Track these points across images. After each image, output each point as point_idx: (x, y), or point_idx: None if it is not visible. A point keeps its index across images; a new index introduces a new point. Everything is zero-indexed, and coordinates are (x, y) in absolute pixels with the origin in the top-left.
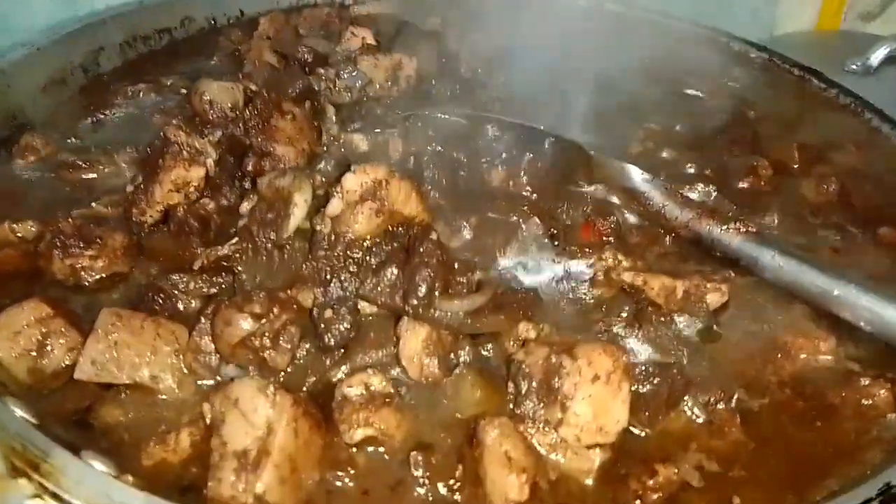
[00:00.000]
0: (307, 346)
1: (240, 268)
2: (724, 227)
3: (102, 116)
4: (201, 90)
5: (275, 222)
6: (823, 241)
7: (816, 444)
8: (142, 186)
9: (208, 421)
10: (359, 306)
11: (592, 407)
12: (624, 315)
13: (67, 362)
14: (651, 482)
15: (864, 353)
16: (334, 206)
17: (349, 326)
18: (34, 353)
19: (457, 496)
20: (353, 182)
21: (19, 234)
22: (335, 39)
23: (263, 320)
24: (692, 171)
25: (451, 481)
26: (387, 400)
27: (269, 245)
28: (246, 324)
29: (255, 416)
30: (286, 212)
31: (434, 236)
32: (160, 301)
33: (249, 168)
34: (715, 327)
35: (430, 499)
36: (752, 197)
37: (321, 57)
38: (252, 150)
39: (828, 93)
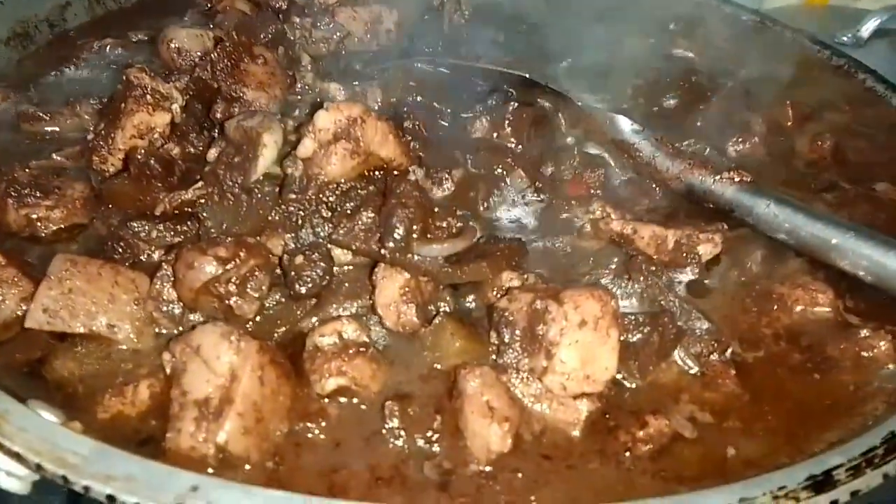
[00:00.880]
0: (277, 295)
1: (205, 213)
2: (717, 177)
3: (67, 70)
4: (169, 37)
5: (242, 165)
6: (817, 198)
7: (814, 396)
8: (102, 133)
9: (168, 371)
10: (332, 254)
11: (580, 354)
12: (612, 266)
13: (19, 313)
14: (641, 433)
15: (863, 307)
16: (306, 146)
17: (322, 273)
18: None
19: (435, 447)
20: (327, 120)
21: None
22: None
23: (229, 265)
24: (683, 126)
25: (429, 433)
26: (361, 349)
27: (237, 189)
28: (210, 267)
29: (218, 363)
30: (255, 153)
31: (412, 177)
32: (120, 251)
33: (218, 115)
34: (706, 281)
35: (407, 451)
36: (745, 153)
37: (298, 6)
38: (221, 96)
39: (821, 54)
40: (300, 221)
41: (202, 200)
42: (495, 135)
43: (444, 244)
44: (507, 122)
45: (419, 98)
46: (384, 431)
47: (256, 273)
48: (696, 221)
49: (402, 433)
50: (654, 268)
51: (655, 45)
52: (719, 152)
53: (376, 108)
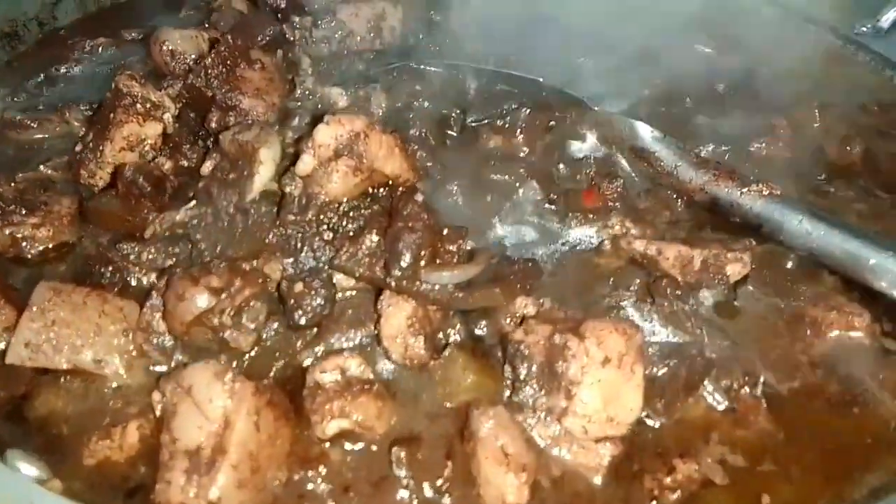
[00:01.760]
0: (275, 324)
1: (198, 235)
2: (745, 190)
3: (56, 72)
4: (161, 39)
5: (237, 183)
6: (848, 208)
7: (854, 432)
8: (90, 145)
9: (158, 412)
10: (334, 279)
11: (602, 394)
12: (634, 288)
13: (1, 345)
14: (668, 480)
15: None
16: (305, 163)
17: (323, 302)
18: None
19: (446, 499)
20: (327, 135)
21: None
22: None
23: (223, 295)
24: (704, 130)
25: (440, 481)
26: (365, 386)
27: (232, 209)
28: (202, 299)
29: (211, 407)
30: (251, 170)
31: (420, 197)
32: (109, 275)
33: (213, 124)
34: (736, 301)
35: (416, 501)
36: (769, 158)
37: (297, 4)
38: (216, 104)
39: (846, 49)
40: (300, 245)
41: (196, 221)
42: (507, 142)
43: (455, 271)
44: (519, 129)
45: (426, 104)
46: (392, 477)
47: (252, 302)
48: (723, 237)
49: (411, 481)
50: (679, 291)
51: (676, 42)
52: (742, 157)
53: (380, 113)
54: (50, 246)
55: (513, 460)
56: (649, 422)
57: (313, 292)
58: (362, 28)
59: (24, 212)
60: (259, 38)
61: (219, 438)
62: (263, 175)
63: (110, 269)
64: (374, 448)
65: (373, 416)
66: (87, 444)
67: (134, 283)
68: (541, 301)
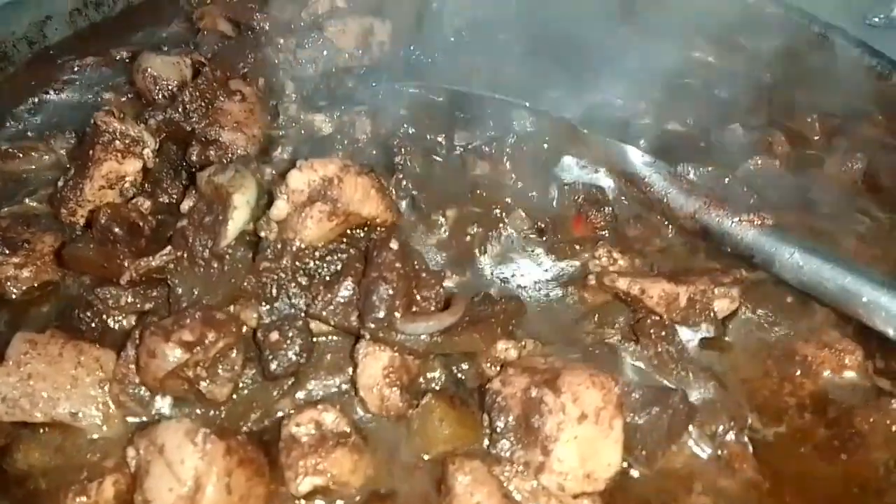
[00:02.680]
0: (251, 372)
1: (175, 280)
2: (736, 220)
3: (45, 96)
4: (144, 66)
5: (213, 228)
6: (847, 229)
7: (841, 480)
8: (70, 183)
9: (132, 469)
10: (312, 325)
11: (579, 450)
12: (619, 326)
13: None
14: None
15: (894, 367)
16: (279, 208)
17: (299, 351)
18: None
19: None
20: (299, 181)
21: None
22: (302, 2)
23: (196, 349)
24: (701, 147)
25: None
26: (341, 440)
27: (207, 254)
28: (174, 355)
29: (182, 468)
30: (224, 216)
31: (395, 245)
32: (88, 318)
33: (194, 158)
34: (724, 338)
35: None
36: (765, 177)
37: (282, 24)
38: (195, 138)
39: (851, 52)
40: (275, 292)
41: (172, 266)
42: (493, 169)
43: (431, 321)
44: (505, 156)
45: (411, 129)
46: None
47: (228, 353)
48: (715, 265)
49: None
50: (663, 332)
51: (672, 50)
52: (738, 176)
53: (365, 139)
54: (35, 285)
55: None
56: (631, 472)
57: (289, 342)
58: (350, 44)
59: (6, 251)
60: (241, 66)
61: (189, 502)
62: (237, 221)
63: (89, 313)
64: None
65: (347, 472)
66: (65, 501)
67: (115, 325)
68: (522, 343)
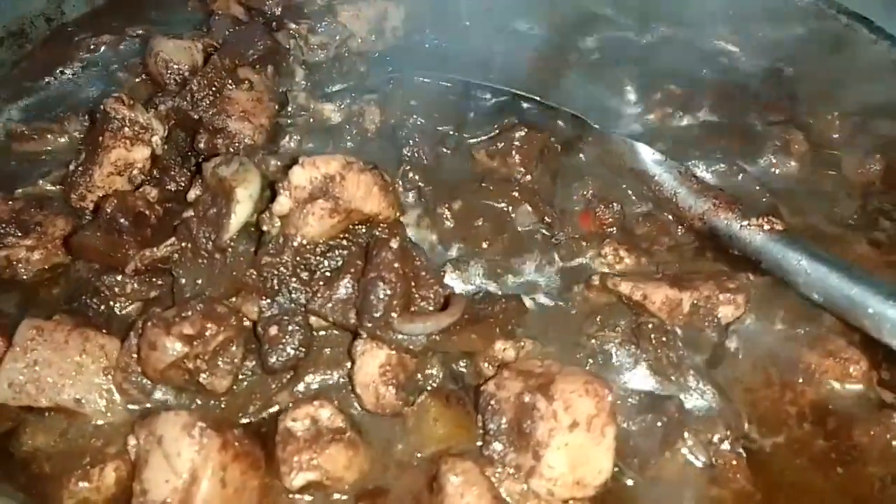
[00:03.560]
0: (251, 363)
1: (179, 271)
2: (745, 223)
3: (61, 75)
4: (155, 50)
5: (216, 220)
6: (861, 232)
7: (835, 494)
8: (80, 169)
9: (132, 457)
10: (311, 320)
11: (569, 457)
12: (620, 329)
13: None
14: None
15: None
16: (282, 204)
17: (297, 345)
18: None
19: None
20: (302, 177)
21: None
22: None
23: (196, 342)
24: (716, 143)
25: None
26: (336, 436)
27: (210, 246)
28: (174, 348)
29: (179, 460)
30: (227, 209)
31: (395, 244)
32: (95, 304)
33: (202, 146)
34: (727, 344)
35: None
36: (781, 176)
37: (294, 9)
38: (203, 126)
39: (878, 46)
40: (276, 286)
41: (176, 257)
42: (501, 162)
43: (428, 322)
44: (514, 149)
45: (421, 120)
46: None
47: (228, 346)
48: (722, 268)
49: None
50: (664, 338)
51: (694, 38)
52: (752, 173)
53: (374, 129)
54: (45, 267)
55: None
56: (622, 478)
57: (288, 337)
58: (363, 29)
59: (19, 233)
60: (250, 53)
61: (185, 494)
62: (240, 215)
63: (96, 299)
64: (343, 498)
65: (342, 467)
66: (67, 485)
67: (121, 312)
68: (521, 343)
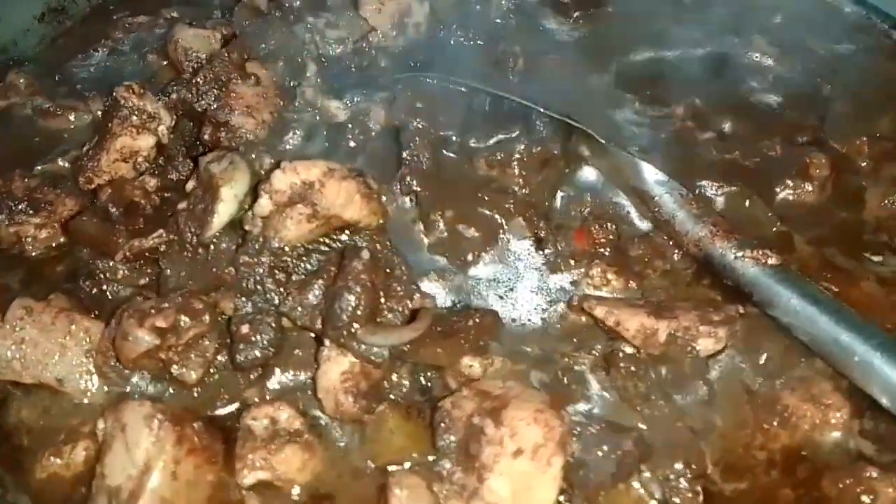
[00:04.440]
0: (224, 359)
1: (165, 262)
2: (740, 254)
3: (95, 53)
4: (176, 37)
5: (202, 217)
6: (869, 270)
7: None
8: (90, 153)
9: (100, 440)
10: (283, 321)
11: (512, 484)
12: (595, 352)
13: None
14: None
15: (884, 431)
16: (262, 206)
17: (266, 345)
18: None
19: None
20: (282, 182)
21: None
22: None
23: (169, 334)
24: (732, 162)
25: None
26: (292, 438)
27: (195, 241)
28: (147, 339)
29: (137, 450)
30: (212, 207)
31: (365, 255)
32: (88, 287)
33: (206, 137)
34: (705, 378)
35: None
36: (797, 202)
37: (315, 2)
38: (207, 119)
39: None
40: (252, 286)
41: (164, 248)
42: (500, 172)
43: (391, 335)
44: (514, 160)
45: (424, 123)
46: None
47: (201, 340)
48: (704, 305)
49: None
50: (634, 367)
51: (729, 50)
52: (764, 198)
53: (378, 129)
54: (52, 245)
55: None
56: None
57: (258, 336)
58: (385, 24)
59: (30, 211)
60: (262, 47)
61: (137, 483)
62: (222, 214)
63: (89, 282)
64: (293, 499)
65: (294, 469)
66: (41, 459)
67: (112, 296)
68: (489, 360)
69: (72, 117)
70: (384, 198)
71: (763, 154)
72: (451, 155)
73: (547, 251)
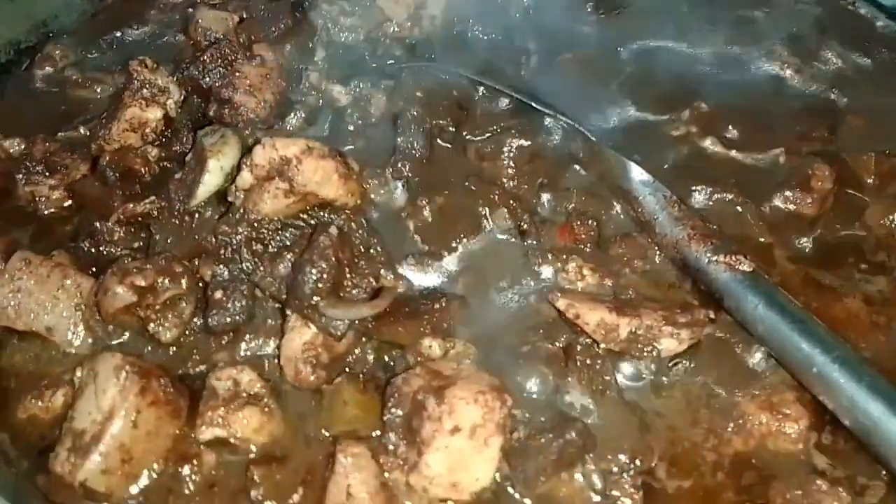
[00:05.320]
0: (200, 322)
1: (155, 227)
2: (714, 258)
3: (129, 30)
4: (196, 18)
5: (190, 186)
6: (857, 287)
7: None
8: (103, 121)
9: (76, 387)
10: (257, 291)
11: (448, 460)
12: (559, 343)
13: None
14: None
15: (842, 446)
16: (243, 178)
17: (237, 312)
18: None
19: None
20: (261, 157)
21: (9, 150)
22: None
23: (147, 294)
24: (731, 168)
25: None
26: (252, 401)
27: (182, 209)
28: (125, 295)
29: (104, 397)
30: (198, 178)
31: (333, 231)
32: (86, 246)
33: (211, 114)
34: (664, 378)
35: None
36: (793, 213)
37: None
38: (213, 96)
39: None
40: (229, 255)
41: (155, 213)
42: (490, 164)
43: (352, 309)
44: (504, 153)
45: (421, 111)
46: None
47: (178, 302)
48: (672, 307)
49: (259, 499)
50: (590, 360)
51: (747, 57)
52: (758, 208)
53: (378, 114)
54: (63, 206)
55: (353, 501)
56: (510, 490)
57: (231, 303)
58: (401, 14)
59: (46, 173)
60: (272, 30)
61: (100, 428)
62: (208, 184)
63: (89, 241)
64: (242, 458)
65: (251, 430)
66: (24, 401)
67: (106, 254)
68: (451, 343)
69: (98, 89)
70: (374, 181)
71: (764, 161)
72: (445, 144)
73: (528, 243)
